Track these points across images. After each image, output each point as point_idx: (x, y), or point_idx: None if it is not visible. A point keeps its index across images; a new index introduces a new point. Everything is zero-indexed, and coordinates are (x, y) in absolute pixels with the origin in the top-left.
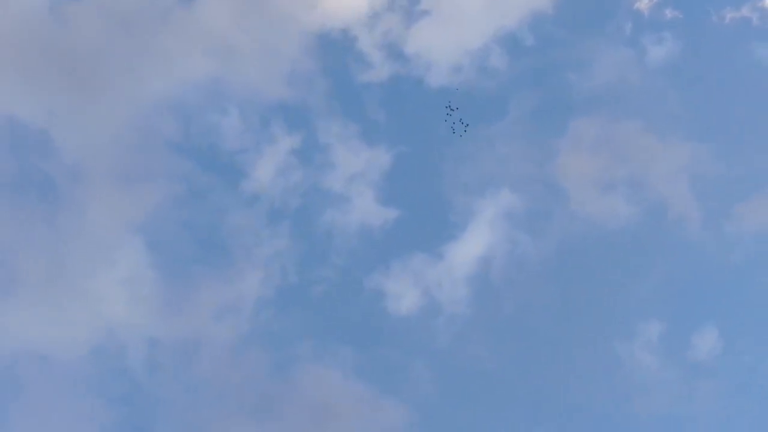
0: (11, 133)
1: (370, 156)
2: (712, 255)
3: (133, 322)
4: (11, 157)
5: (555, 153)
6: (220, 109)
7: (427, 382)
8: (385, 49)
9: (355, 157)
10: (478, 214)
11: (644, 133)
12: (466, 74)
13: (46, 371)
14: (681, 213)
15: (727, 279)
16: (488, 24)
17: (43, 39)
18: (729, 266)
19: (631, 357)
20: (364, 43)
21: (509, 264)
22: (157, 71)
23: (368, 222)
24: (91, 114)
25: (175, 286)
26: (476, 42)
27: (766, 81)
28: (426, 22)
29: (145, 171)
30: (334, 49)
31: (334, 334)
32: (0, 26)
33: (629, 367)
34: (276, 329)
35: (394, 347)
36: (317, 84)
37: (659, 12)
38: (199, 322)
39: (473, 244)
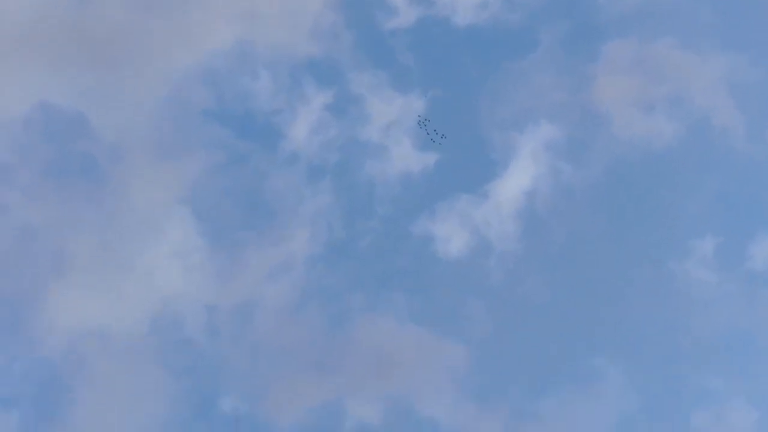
0: (46, 119)
1: (403, 102)
2: (760, 164)
3: (188, 292)
4: (50, 143)
5: (591, 79)
6: (250, 73)
7: (484, 322)
8: None
9: (389, 105)
10: (519, 148)
11: (679, 48)
12: (492, 9)
13: (107, 349)
14: (725, 125)
15: None
16: None
17: (66, 21)
18: None
19: (688, 275)
20: None
21: (555, 195)
22: (183, 43)
23: (408, 169)
24: (123, 91)
25: (225, 252)
26: None
27: None
28: None
29: (183, 142)
30: None
31: (386, 284)
32: (23, 15)
33: (686, 285)
34: (328, 285)
35: (447, 290)
36: (343, 36)
37: None
38: (253, 286)
39: (517, 180)
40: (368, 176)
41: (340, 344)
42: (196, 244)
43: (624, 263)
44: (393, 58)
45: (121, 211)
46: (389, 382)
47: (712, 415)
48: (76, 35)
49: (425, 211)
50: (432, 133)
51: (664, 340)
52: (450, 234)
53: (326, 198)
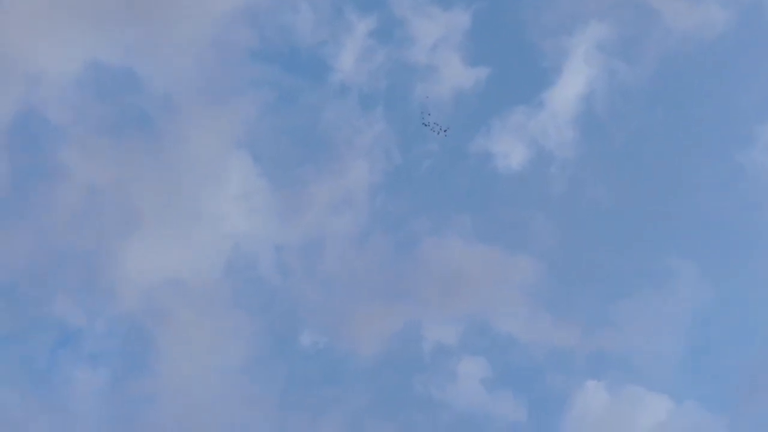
0: (96, 77)
1: (448, 19)
2: None
3: (256, 234)
4: (102, 101)
5: None
6: (290, 8)
7: (550, 232)
8: None
9: (434, 24)
10: (570, 53)
11: None
12: None
13: (185, 297)
14: None
15: None
16: None
17: None
18: None
19: (753, 163)
20: None
21: (612, 96)
22: None
23: (460, 86)
24: (168, 41)
25: (287, 190)
26: None
27: None
28: None
29: (232, 85)
30: None
31: (449, 205)
32: None
33: (753, 174)
34: (392, 211)
35: (511, 205)
36: None
37: None
38: (319, 220)
39: (571, 85)
40: (420, 99)
41: (410, 269)
42: (258, 186)
43: (689, 158)
44: None
45: (181, 161)
46: (463, 302)
47: None
48: None
49: (481, 127)
50: (435, 128)
51: (736, 232)
52: (508, 148)
53: (380, 126)
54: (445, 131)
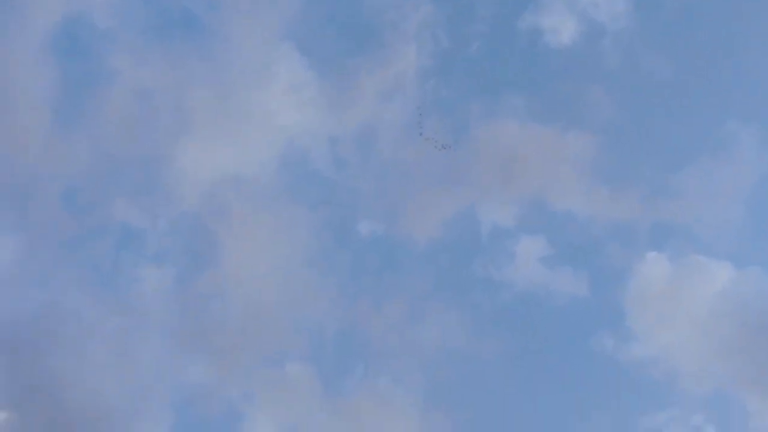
0: None
1: None
2: None
3: (308, 127)
4: (146, 1)
5: None
6: None
7: (605, 106)
8: None
9: None
10: None
11: None
12: None
13: (242, 193)
14: None
15: None
16: None
17: None
18: None
19: None
20: None
21: None
22: None
23: None
24: None
25: (336, 81)
26: None
27: None
28: None
29: None
30: None
31: (501, 86)
32: None
33: None
34: (443, 96)
35: (565, 81)
36: None
37: None
38: (369, 109)
39: None
40: None
41: (464, 153)
42: (306, 79)
43: (745, 21)
44: None
45: (227, 58)
46: (519, 182)
47: None
48: None
49: (530, 3)
50: (434, 143)
51: None
52: (558, 23)
53: (426, 9)
54: (443, 147)
